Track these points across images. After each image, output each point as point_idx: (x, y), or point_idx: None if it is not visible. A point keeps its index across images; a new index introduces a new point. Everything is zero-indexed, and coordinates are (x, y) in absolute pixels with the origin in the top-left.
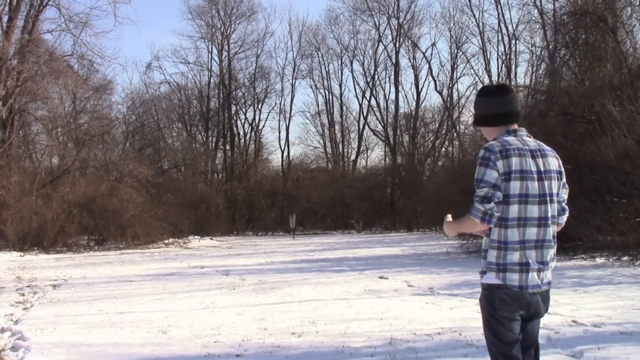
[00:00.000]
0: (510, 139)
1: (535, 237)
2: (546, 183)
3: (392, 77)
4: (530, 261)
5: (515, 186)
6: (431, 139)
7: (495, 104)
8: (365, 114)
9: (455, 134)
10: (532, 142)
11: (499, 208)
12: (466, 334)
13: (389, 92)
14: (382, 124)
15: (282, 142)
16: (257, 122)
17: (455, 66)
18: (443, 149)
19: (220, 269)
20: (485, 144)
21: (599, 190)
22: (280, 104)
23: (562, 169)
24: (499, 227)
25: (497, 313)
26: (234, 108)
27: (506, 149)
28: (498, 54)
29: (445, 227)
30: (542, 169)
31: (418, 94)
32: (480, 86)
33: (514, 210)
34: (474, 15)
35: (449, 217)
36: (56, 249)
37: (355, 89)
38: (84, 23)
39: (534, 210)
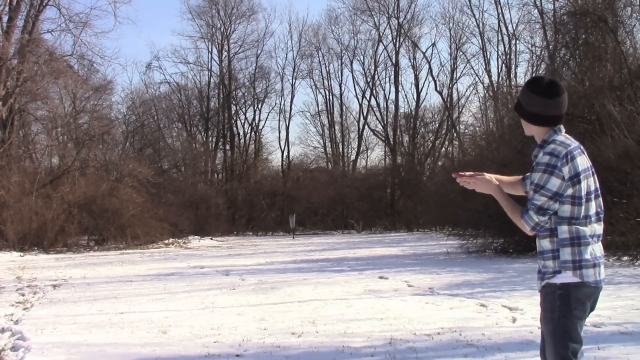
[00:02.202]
0: (564, 138)
1: (598, 231)
2: (595, 177)
3: (392, 77)
4: (598, 255)
5: (583, 187)
6: (431, 139)
7: (556, 105)
8: (365, 114)
9: (455, 134)
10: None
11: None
12: (466, 334)
13: (389, 92)
14: (382, 124)
15: (282, 142)
16: (257, 122)
17: (455, 66)
18: (443, 149)
19: (220, 269)
20: (548, 148)
21: None
22: (280, 104)
23: None
24: (568, 225)
25: (572, 312)
26: (234, 108)
27: (569, 151)
28: (498, 54)
29: (481, 184)
30: (590, 163)
31: (418, 94)
32: (479, 85)
33: (583, 208)
34: (474, 15)
35: (492, 178)
36: (56, 249)
37: (355, 89)
38: (84, 23)
39: (593, 206)
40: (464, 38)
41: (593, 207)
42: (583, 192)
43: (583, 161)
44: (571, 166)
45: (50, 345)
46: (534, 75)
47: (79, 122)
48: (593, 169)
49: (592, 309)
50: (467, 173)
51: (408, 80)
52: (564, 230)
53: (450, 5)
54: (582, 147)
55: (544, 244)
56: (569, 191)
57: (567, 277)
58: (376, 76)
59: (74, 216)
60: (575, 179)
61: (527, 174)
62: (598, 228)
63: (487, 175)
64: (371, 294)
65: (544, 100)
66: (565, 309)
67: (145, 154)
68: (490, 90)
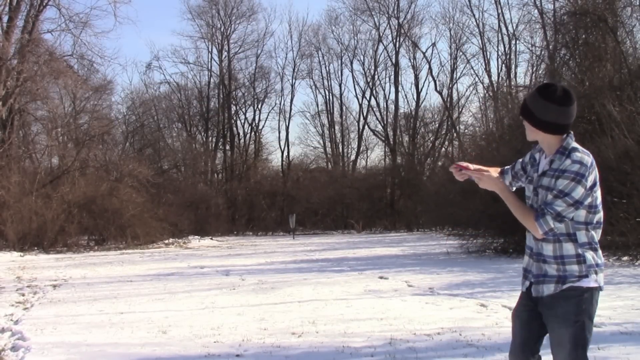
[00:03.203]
0: (580, 146)
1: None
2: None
3: (392, 77)
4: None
5: (598, 195)
6: (431, 139)
7: (571, 113)
8: (365, 114)
9: (455, 134)
10: None
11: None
12: (466, 334)
13: (389, 92)
14: (382, 124)
15: (282, 142)
16: (257, 122)
17: (455, 66)
18: (443, 149)
19: (220, 269)
20: (576, 156)
21: None
22: (280, 104)
23: None
24: (585, 231)
25: (593, 316)
26: (233, 108)
27: (593, 160)
28: (498, 54)
29: (487, 180)
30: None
31: (418, 94)
32: (479, 85)
33: (597, 216)
34: (474, 15)
35: (493, 172)
36: (56, 249)
37: (355, 89)
38: (84, 23)
39: (602, 214)
40: (464, 38)
41: (602, 215)
42: (598, 201)
43: (596, 171)
44: (593, 175)
45: (50, 345)
46: (533, 75)
47: (79, 122)
48: None
49: None
50: (472, 166)
51: (408, 80)
52: (582, 235)
53: (450, 5)
54: None
55: (566, 246)
56: (588, 200)
57: (592, 281)
58: (376, 76)
59: (74, 216)
60: (594, 187)
61: (507, 167)
62: (599, 234)
63: (492, 170)
64: (371, 294)
65: (559, 108)
66: (591, 313)
67: (145, 154)
68: (490, 90)
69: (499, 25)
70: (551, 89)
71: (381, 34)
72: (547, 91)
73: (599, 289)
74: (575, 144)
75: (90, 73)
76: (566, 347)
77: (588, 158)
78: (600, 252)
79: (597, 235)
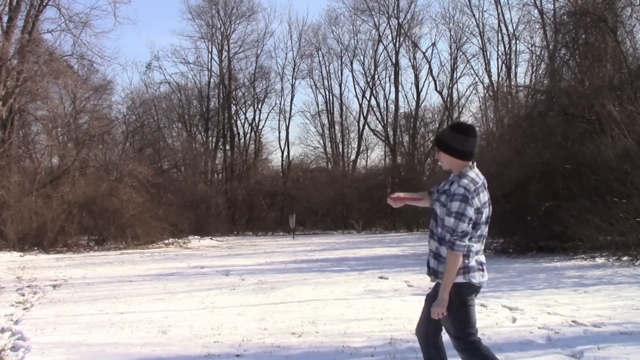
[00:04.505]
0: (475, 175)
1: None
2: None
3: (392, 77)
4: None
5: (486, 212)
6: (431, 139)
7: (474, 143)
8: (365, 114)
9: None
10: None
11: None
12: None
13: (389, 92)
14: (382, 124)
15: (282, 142)
16: (257, 122)
17: (455, 66)
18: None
19: (220, 269)
20: (463, 182)
21: (599, 190)
22: (280, 104)
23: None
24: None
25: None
26: (234, 108)
27: (480, 184)
28: (498, 54)
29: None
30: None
31: (418, 94)
32: (479, 85)
33: (480, 231)
34: (474, 16)
35: (423, 195)
36: (56, 249)
37: (355, 89)
38: (84, 23)
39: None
40: (464, 38)
41: (485, 230)
42: (482, 219)
43: (485, 192)
44: (480, 197)
45: (50, 345)
46: (533, 75)
47: (79, 122)
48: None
49: None
50: (403, 194)
51: (408, 80)
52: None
53: (450, 5)
54: (485, 183)
55: (443, 249)
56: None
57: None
58: (376, 76)
59: (74, 216)
60: (481, 208)
61: (432, 188)
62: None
63: (395, 194)
64: (371, 294)
65: (472, 139)
66: (460, 301)
67: (145, 154)
68: (490, 90)
69: (499, 25)
70: (469, 127)
71: (381, 34)
72: (468, 129)
73: (468, 284)
74: (469, 172)
75: (90, 73)
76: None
77: (472, 185)
78: (474, 258)
79: (477, 245)
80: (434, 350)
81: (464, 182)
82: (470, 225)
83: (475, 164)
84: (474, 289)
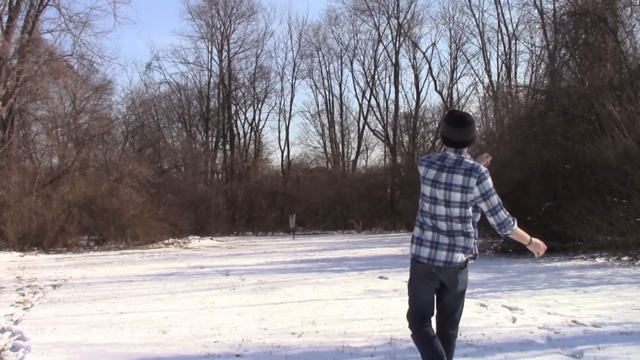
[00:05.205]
0: (445, 155)
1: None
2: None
3: (392, 77)
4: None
5: (425, 189)
6: (431, 139)
7: (452, 131)
8: (365, 114)
9: None
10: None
11: None
12: (466, 334)
13: (389, 92)
14: (382, 124)
15: (282, 142)
16: (257, 122)
17: (455, 66)
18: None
19: (220, 269)
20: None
21: (599, 190)
22: (280, 104)
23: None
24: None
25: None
26: (233, 108)
27: (422, 160)
28: (498, 54)
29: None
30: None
31: (418, 94)
32: (479, 85)
33: (420, 203)
34: (474, 15)
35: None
36: (56, 249)
37: (355, 89)
38: (84, 23)
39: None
40: (464, 38)
41: (425, 205)
42: (424, 192)
43: (423, 168)
44: (421, 171)
45: (50, 345)
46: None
47: (79, 122)
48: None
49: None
50: None
51: (408, 80)
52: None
53: (450, 5)
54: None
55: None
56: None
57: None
58: (376, 76)
59: (74, 216)
60: (422, 180)
61: None
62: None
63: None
64: (371, 294)
65: (449, 127)
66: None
67: (145, 154)
68: (490, 90)
69: (499, 25)
70: (448, 114)
71: (381, 34)
72: (447, 115)
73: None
74: (444, 153)
75: (90, 73)
76: (460, 305)
77: (429, 157)
78: (417, 229)
79: (420, 217)
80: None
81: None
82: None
83: (462, 151)
84: (415, 263)
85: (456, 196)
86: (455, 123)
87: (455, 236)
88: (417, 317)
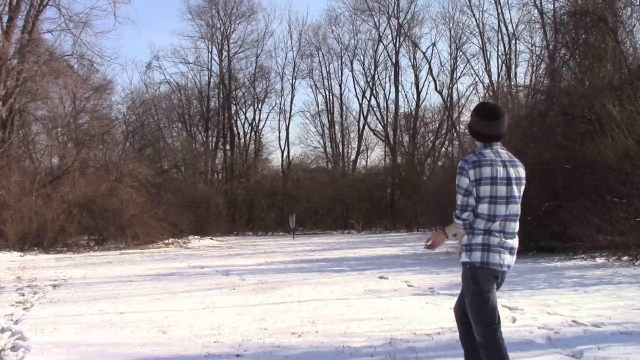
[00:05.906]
0: (474, 154)
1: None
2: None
3: (392, 77)
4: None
5: (485, 189)
6: (431, 139)
7: (487, 125)
8: (365, 113)
9: (455, 134)
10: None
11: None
12: None
13: (389, 92)
14: (382, 124)
15: (282, 142)
16: (257, 122)
17: (455, 66)
18: (443, 149)
19: (220, 269)
20: (465, 156)
21: (599, 190)
22: (280, 103)
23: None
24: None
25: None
26: (234, 108)
27: (473, 161)
28: (498, 54)
29: (435, 238)
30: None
31: (418, 93)
32: (479, 85)
33: (482, 207)
34: (474, 15)
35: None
36: (56, 249)
37: (355, 89)
38: (84, 23)
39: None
40: (464, 38)
41: (487, 208)
42: (482, 193)
43: (484, 169)
44: (473, 172)
45: (50, 345)
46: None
47: (79, 122)
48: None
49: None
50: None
51: (408, 80)
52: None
53: (450, 5)
54: (507, 160)
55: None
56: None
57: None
58: (376, 76)
59: (74, 216)
60: (478, 182)
61: None
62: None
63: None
64: (371, 294)
65: (482, 121)
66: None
67: (145, 154)
68: (490, 90)
69: (499, 25)
70: (478, 107)
71: (381, 34)
72: (477, 108)
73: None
74: (482, 150)
75: (90, 73)
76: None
77: (474, 157)
78: (479, 236)
79: (483, 223)
80: (462, 327)
81: (468, 155)
82: (468, 198)
83: (496, 145)
84: (485, 272)
85: (522, 190)
86: (490, 116)
87: (515, 237)
88: (493, 325)
